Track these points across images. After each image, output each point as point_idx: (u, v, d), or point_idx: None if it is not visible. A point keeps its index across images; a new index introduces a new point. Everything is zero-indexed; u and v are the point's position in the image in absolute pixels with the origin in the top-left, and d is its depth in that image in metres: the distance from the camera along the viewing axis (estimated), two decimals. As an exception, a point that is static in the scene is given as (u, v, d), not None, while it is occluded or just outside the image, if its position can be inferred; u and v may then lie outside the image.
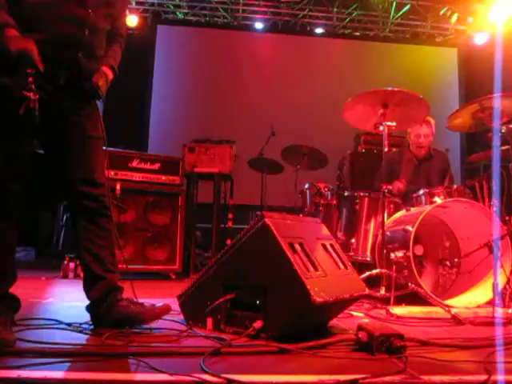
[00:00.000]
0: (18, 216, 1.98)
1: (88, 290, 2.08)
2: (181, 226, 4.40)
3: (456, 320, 2.51)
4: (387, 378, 1.44)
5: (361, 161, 5.37)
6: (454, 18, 7.98)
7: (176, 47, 8.10)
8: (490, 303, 2.68)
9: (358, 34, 8.31)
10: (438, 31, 8.28)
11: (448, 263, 3.17)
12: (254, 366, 1.56)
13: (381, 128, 3.17)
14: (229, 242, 4.63)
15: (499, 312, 2.53)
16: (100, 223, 2.09)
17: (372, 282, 2.95)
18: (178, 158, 4.60)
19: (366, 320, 2.51)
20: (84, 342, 1.85)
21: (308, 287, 1.84)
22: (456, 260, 3.16)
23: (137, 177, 4.32)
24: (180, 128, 7.36)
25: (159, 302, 2.10)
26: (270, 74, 7.87)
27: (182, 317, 2.19)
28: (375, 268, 3.20)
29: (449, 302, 2.81)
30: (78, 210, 2.08)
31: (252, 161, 5.46)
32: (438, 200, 3.16)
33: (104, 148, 2.16)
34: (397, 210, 3.55)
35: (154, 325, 2.03)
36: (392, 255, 2.92)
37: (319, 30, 8.17)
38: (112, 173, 4.08)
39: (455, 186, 3.31)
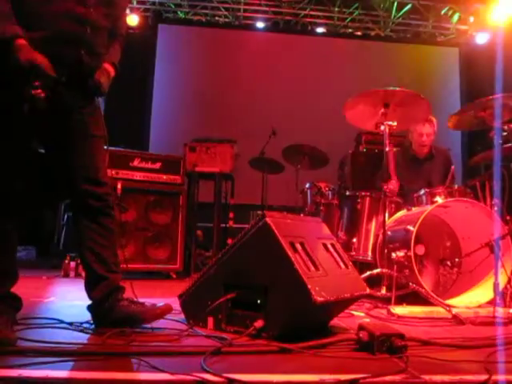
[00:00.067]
0: (19, 215, 1.98)
1: (90, 289, 2.08)
2: (182, 225, 4.40)
3: (457, 320, 2.51)
4: (388, 378, 1.44)
5: (362, 160, 5.37)
6: (456, 17, 7.97)
7: (177, 47, 8.10)
8: (491, 303, 2.68)
9: (359, 33, 8.30)
10: (440, 31, 8.27)
11: (449, 263, 3.17)
12: (255, 366, 1.57)
13: (382, 127, 3.17)
14: (230, 241, 4.62)
15: (500, 312, 2.53)
16: (103, 223, 2.08)
17: (373, 282, 2.95)
18: (178, 158, 4.60)
19: (367, 320, 2.51)
20: (85, 342, 1.85)
21: (309, 287, 1.84)
22: (457, 260, 3.15)
23: (138, 176, 4.32)
24: (181, 127, 7.36)
25: (160, 302, 2.10)
26: (270, 74, 7.86)
27: (182, 316, 2.19)
28: (376, 267, 3.19)
29: (450, 301, 2.80)
30: (81, 209, 2.08)
31: (253, 160, 5.47)
32: (439, 200, 3.16)
33: (105, 147, 2.16)
34: (398, 209, 3.55)
35: (154, 324, 2.03)
36: (393, 255, 2.92)
37: (320, 30, 8.17)
38: (113, 172, 4.09)
39: (456, 186, 3.31)
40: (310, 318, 2.01)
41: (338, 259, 2.30)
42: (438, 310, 2.65)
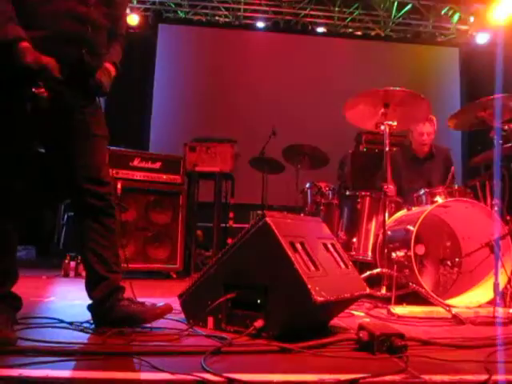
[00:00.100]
0: (20, 215, 1.98)
1: (90, 289, 2.08)
2: (182, 225, 4.40)
3: (457, 320, 2.51)
4: (388, 378, 1.44)
5: (362, 160, 5.36)
6: (456, 17, 7.98)
7: (177, 46, 8.10)
8: (491, 303, 2.68)
9: (359, 33, 8.31)
10: (440, 31, 8.27)
11: (449, 263, 3.17)
12: (255, 365, 1.57)
13: (382, 127, 3.17)
14: (230, 241, 4.63)
15: (500, 312, 2.53)
16: (105, 223, 2.08)
17: (373, 282, 2.95)
18: (179, 157, 4.60)
19: (367, 319, 2.51)
20: (85, 341, 1.85)
21: (309, 286, 1.84)
22: (457, 260, 3.15)
23: (138, 176, 4.32)
24: (181, 127, 7.37)
25: (160, 301, 2.10)
26: (271, 73, 7.86)
27: (182, 316, 2.20)
28: (376, 267, 3.19)
29: (450, 301, 2.80)
30: (83, 208, 2.07)
31: (253, 160, 5.47)
32: (439, 200, 3.16)
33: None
34: (398, 209, 3.55)
35: (154, 324, 2.03)
36: (393, 255, 2.92)
37: (321, 30, 8.18)
38: (113, 172, 4.08)
39: (456, 186, 3.31)
40: (310, 317, 2.01)
41: (338, 259, 2.31)
42: (437, 310, 2.65)
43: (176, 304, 2.18)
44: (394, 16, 8.07)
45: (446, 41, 8.34)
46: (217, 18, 8.15)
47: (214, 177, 4.90)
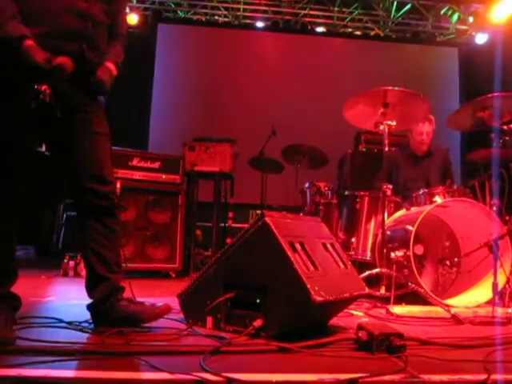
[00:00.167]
0: (19, 215, 1.98)
1: (90, 289, 2.08)
2: (181, 224, 4.40)
3: (456, 319, 2.51)
4: (387, 377, 1.44)
5: (361, 160, 5.36)
6: (455, 17, 7.98)
7: (177, 46, 8.09)
8: (490, 303, 2.68)
9: (358, 33, 8.30)
10: (439, 31, 8.28)
11: (448, 263, 3.17)
12: (254, 365, 1.57)
13: (381, 127, 3.17)
14: (229, 240, 4.62)
15: (499, 311, 2.53)
16: (107, 223, 2.07)
17: (372, 282, 2.95)
18: (178, 157, 4.60)
19: (366, 319, 2.52)
20: (84, 341, 1.85)
21: (308, 286, 1.84)
22: (456, 259, 3.16)
23: (137, 175, 4.31)
24: (180, 126, 7.36)
25: (159, 301, 2.10)
26: (270, 73, 7.86)
27: (181, 315, 2.20)
28: (375, 267, 3.20)
29: (448, 301, 2.81)
30: (86, 208, 2.06)
31: (252, 160, 5.47)
32: (438, 199, 3.16)
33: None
34: (397, 209, 3.55)
35: (153, 323, 2.03)
36: (392, 254, 2.92)
37: (320, 29, 8.17)
38: (112, 171, 4.08)
39: (455, 186, 3.32)
40: (309, 317, 2.01)
41: (338, 259, 2.31)
42: (436, 310, 2.66)
43: (175, 303, 2.19)
44: (394, 16, 8.08)
45: (446, 41, 8.34)
46: (216, 17, 8.15)
47: (213, 176, 4.90)
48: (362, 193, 3.73)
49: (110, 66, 2.10)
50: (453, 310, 2.59)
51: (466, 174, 6.51)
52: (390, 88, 3.03)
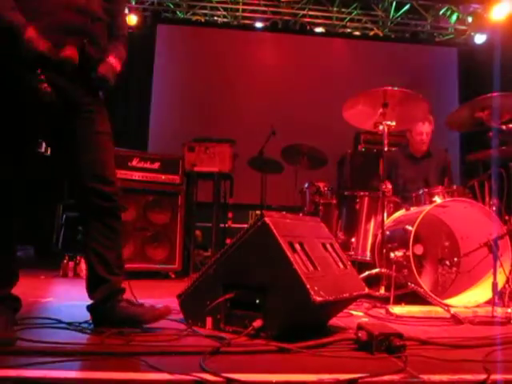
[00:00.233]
0: (19, 215, 1.98)
1: (91, 290, 2.08)
2: (180, 225, 4.40)
3: (455, 319, 2.52)
4: (386, 377, 1.44)
5: (361, 160, 5.36)
6: (454, 17, 7.99)
7: (176, 46, 8.09)
8: (490, 302, 2.68)
9: (357, 33, 8.30)
10: (438, 31, 8.28)
11: (447, 263, 3.17)
12: (254, 365, 1.57)
13: (380, 127, 3.17)
14: (228, 241, 4.63)
15: (498, 311, 2.53)
16: (110, 224, 2.06)
17: (372, 282, 2.95)
18: (177, 157, 4.60)
19: (366, 319, 2.52)
20: (84, 342, 1.85)
21: (308, 286, 1.84)
22: (455, 259, 3.16)
23: (136, 176, 4.32)
24: (180, 127, 7.35)
25: (158, 301, 2.11)
26: (269, 73, 7.86)
27: (181, 316, 2.20)
28: (375, 267, 3.20)
29: (448, 301, 2.81)
30: (89, 209, 2.05)
31: (252, 160, 5.46)
32: (437, 199, 3.16)
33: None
34: (396, 209, 3.56)
35: (153, 324, 2.03)
36: (392, 255, 2.93)
37: (319, 30, 8.17)
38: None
39: (455, 186, 3.32)
40: (309, 317, 2.01)
41: (337, 259, 2.31)
42: (436, 310, 2.66)
43: (175, 304, 2.19)
44: (393, 16, 8.08)
45: (445, 41, 8.34)
46: (215, 18, 8.14)
47: (212, 177, 4.90)
48: (361, 193, 3.73)
49: (113, 61, 2.07)
50: (452, 310, 2.59)
51: (465, 174, 6.51)
52: (390, 88, 3.04)
